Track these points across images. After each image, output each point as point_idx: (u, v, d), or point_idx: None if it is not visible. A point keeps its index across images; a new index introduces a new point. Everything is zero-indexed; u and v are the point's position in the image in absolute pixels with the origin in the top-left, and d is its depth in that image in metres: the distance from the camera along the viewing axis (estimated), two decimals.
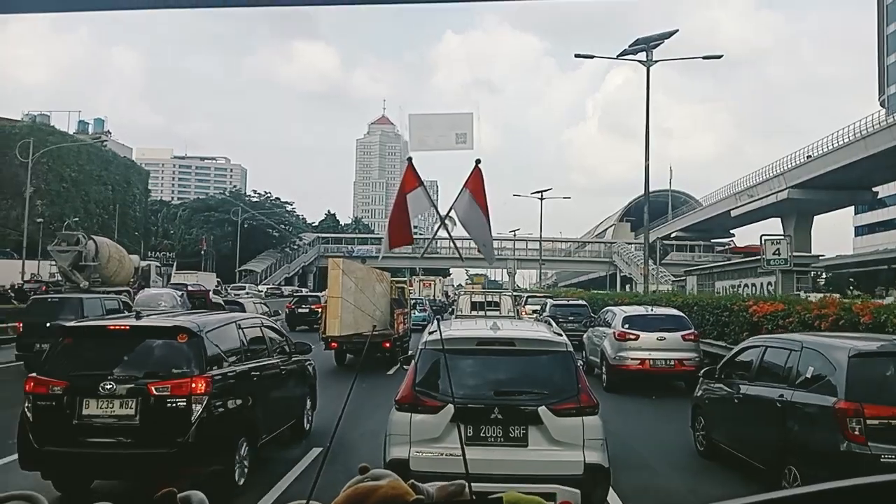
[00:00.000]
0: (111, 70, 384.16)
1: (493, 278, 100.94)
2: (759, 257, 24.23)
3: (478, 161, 5.22)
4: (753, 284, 27.99)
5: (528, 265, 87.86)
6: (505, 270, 64.42)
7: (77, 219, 63.69)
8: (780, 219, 71.96)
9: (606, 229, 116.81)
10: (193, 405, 6.95)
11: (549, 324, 8.71)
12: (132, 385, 6.99)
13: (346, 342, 18.14)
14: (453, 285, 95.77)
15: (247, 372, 8.30)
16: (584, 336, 19.62)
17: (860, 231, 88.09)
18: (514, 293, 38.72)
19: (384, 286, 20.71)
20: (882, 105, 64.44)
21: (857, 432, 6.42)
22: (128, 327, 7.83)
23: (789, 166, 67.01)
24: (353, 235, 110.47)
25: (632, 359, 15.57)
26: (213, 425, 7.10)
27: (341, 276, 17.20)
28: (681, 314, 17.22)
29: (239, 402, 7.79)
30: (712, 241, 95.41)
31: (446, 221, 5.45)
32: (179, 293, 26.35)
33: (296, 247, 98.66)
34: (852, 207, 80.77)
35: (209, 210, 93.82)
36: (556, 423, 6.23)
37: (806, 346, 7.74)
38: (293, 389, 10.11)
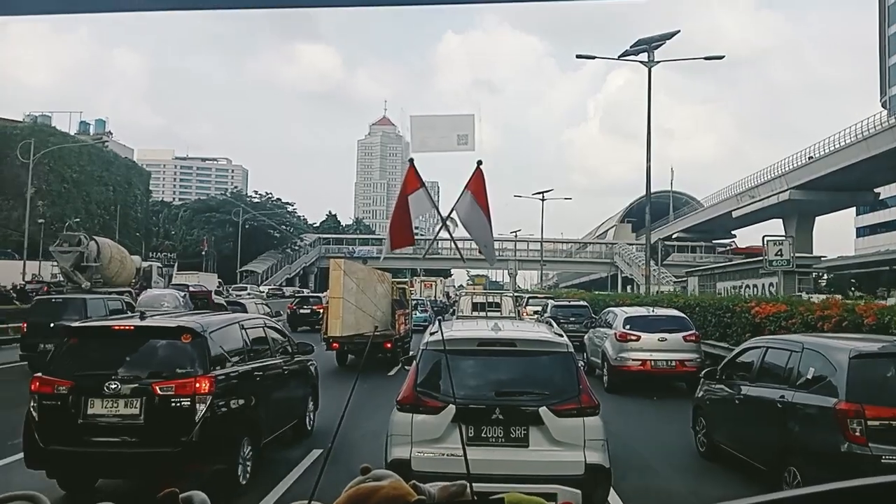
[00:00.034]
0: (112, 71, 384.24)
1: (494, 279, 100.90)
2: (761, 258, 24.22)
3: (479, 162, 5.23)
4: (755, 285, 28.02)
5: (529, 266, 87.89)
6: (506, 271, 64.34)
7: (78, 219, 63.76)
8: (781, 220, 71.92)
9: (608, 230, 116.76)
10: (197, 405, 7.00)
11: (550, 325, 8.71)
12: (137, 385, 7.05)
13: (347, 343, 18.15)
14: (454, 286, 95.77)
15: (250, 372, 8.35)
16: (586, 337, 19.61)
17: (861, 232, 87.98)
18: (516, 294, 38.73)
19: (385, 287, 20.73)
20: (883, 106, 64.35)
21: (857, 433, 6.42)
22: (132, 327, 7.88)
23: (791, 167, 66.99)
24: (355, 236, 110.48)
25: (633, 360, 15.56)
26: (216, 425, 7.15)
27: (343, 276, 17.23)
28: (682, 315, 17.22)
29: (242, 401, 7.83)
30: (714, 242, 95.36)
31: (448, 222, 5.46)
32: (182, 294, 26.39)
33: (297, 247, 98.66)
34: (854, 208, 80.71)
35: (210, 211, 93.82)
36: (557, 424, 6.24)
37: (807, 347, 7.75)
38: (295, 390, 10.15)
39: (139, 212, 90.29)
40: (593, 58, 32.19)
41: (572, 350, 6.90)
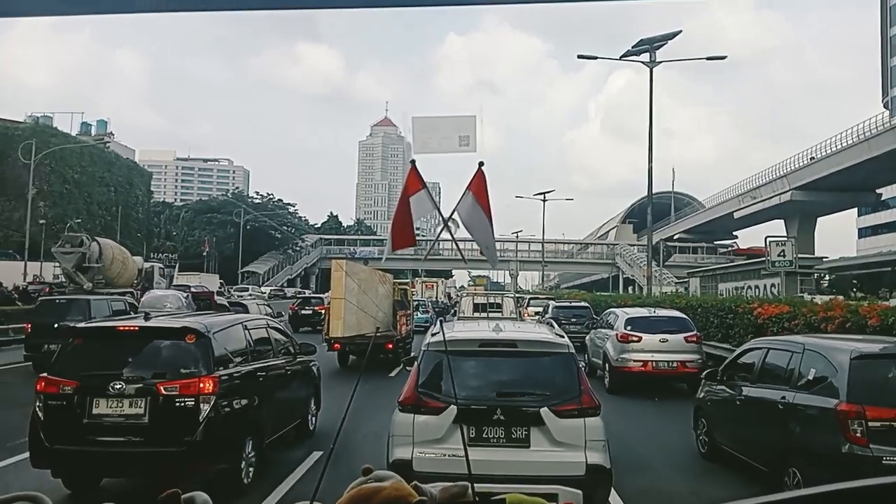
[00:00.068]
0: (114, 72, 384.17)
1: (495, 280, 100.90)
2: (763, 259, 24.21)
3: (481, 163, 5.25)
4: (757, 286, 27.98)
5: (530, 267, 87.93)
6: (507, 272, 64.33)
7: (79, 220, 63.84)
8: (783, 221, 71.89)
9: (609, 231, 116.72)
10: (201, 405, 7.06)
11: (552, 325, 8.72)
12: (141, 385, 7.11)
13: (349, 343, 18.18)
14: (456, 287, 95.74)
15: (253, 372, 8.42)
16: (587, 338, 19.60)
17: (863, 233, 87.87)
18: (517, 295, 38.72)
19: (387, 288, 20.74)
20: (886, 107, 64.35)
21: (858, 434, 6.42)
22: (137, 328, 7.94)
23: (792, 168, 66.93)
24: (356, 237, 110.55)
25: (634, 361, 15.56)
26: (220, 425, 7.21)
27: (344, 277, 17.24)
28: (683, 316, 17.21)
29: (245, 402, 7.89)
30: (715, 242, 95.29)
31: (449, 224, 5.47)
32: (185, 294, 26.46)
33: (298, 248, 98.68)
34: (855, 209, 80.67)
35: (212, 212, 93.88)
36: (558, 425, 6.26)
37: (808, 348, 7.75)
38: (298, 390, 10.20)
39: (140, 213, 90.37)
40: (595, 58, 32.11)
41: (573, 351, 6.92)
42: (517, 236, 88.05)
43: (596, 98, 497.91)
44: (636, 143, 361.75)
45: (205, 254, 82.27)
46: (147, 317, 8.52)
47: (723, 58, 32.13)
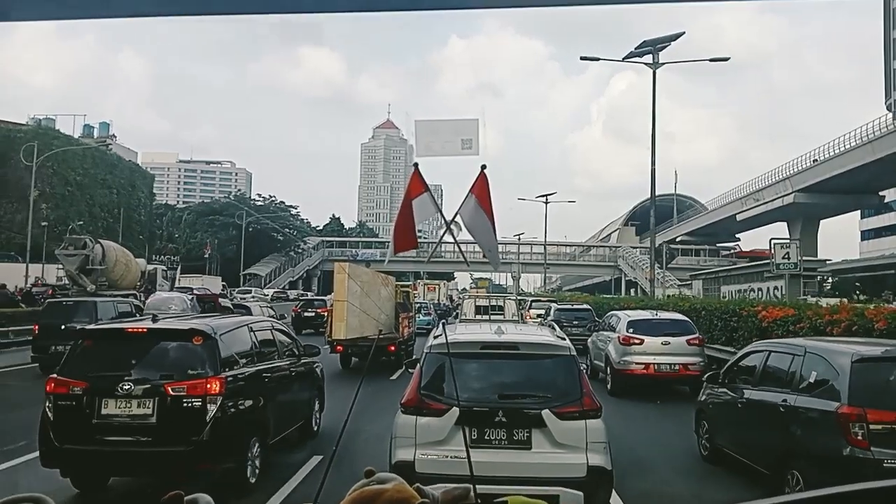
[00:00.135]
0: (117, 74, 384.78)
1: (497, 282, 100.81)
2: (766, 261, 24.15)
3: (483, 166, 5.26)
4: (760, 289, 27.88)
5: (532, 269, 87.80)
6: (509, 274, 64.33)
7: (81, 222, 63.80)
8: (785, 223, 71.85)
9: (611, 233, 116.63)
10: (208, 405, 7.16)
11: (553, 328, 8.74)
12: (149, 385, 7.20)
13: (351, 346, 18.20)
14: (458, 289, 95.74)
15: (259, 373, 8.53)
16: (589, 340, 19.59)
17: (866, 235, 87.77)
18: (519, 297, 38.71)
19: (389, 290, 20.75)
20: (889, 109, 64.09)
21: (859, 437, 6.43)
22: (145, 330, 8.06)
23: (795, 170, 66.88)
24: (358, 239, 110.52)
25: (636, 363, 15.55)
26: (226, 425, 7.31)
27: (347, 280, 17.27)
28: (685, 318, 17.17)
29: (251, 402, 8.00)
30: (717, 245, 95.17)
31: (451, 226, 5.49)
32: (189, 297, 26.58)
33: (300, 251, 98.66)
34: (858, 212, 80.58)
35: (214, 214, 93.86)
36: (559, 426, 6.28)
37: (809, 351, 7.75)
38: (302, 391, 10.30)
39: (143, 215, 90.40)
40: (597, 59, 32.09)
41: (574, 353, 6.95)
42: (519, 239, 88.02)
43: (598, 100, 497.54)
44: (638, 146, 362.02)
45: (207, 256, 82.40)
46: (155, 319, 8.63)
47: (726, 59, 32.13)
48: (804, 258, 23.63)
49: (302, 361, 10.34)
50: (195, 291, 35.24)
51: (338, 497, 1.70)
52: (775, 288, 25.29)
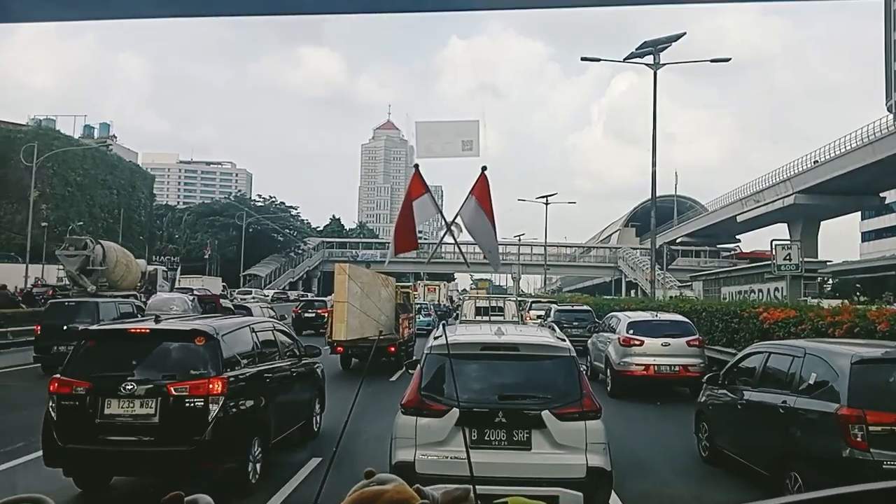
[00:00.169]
0: (117, 75, 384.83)
1: (497, 283, 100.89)
2: (766, 263, 24.10)
3: (484, 168, 5.28)
4: (760, 290, 27.90)
5: (532, 270, 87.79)
6: (509, 275, 64.33)
7: (81, 223, 63.83)
8: (786, 224, 71.80)
9: (611, 234, 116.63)
10: (210, 405, 7.20)
11: (553, 329, 8.74)
12: (152, 385, 7.24)
13: (351, 347, 18.20)
14: (458, 290, 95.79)
15: (260, 374, 8.57)
16: (589, 342, 19.59)
17: (867, 237, 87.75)
18: (519, 298, 38.72)
19: (389, 291, 20.76)
20: (889, 110, 64.02)
21: (859, 439, 6.43)
22: (148, 330, 8.08)
23: (796, 171, 66.83)
24: (358, 240, 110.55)
25: (636, 364, 15.54)
26: (228, 425, 7.34)
27: (347, 281, 17.28)
28: (685, 320, 17.14)
29: (253, 402, 8.04)
30: (718, 246, 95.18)
31: (452, 227, 5.50)
32: (191, 297, 26.59)
33: (300, 251, 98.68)
34: (859, 213, 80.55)
35: (214, 214, 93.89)
36: (559, 427, 6.29)
37: (809, 353, 7.75)
38: (303, 391, 10.33)
39: (143, 215, 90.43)
40: (598, 60, 32.00)
41: (574, 354, 6.96)
42: (520, 240, 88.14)
43: (598, 101, 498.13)
44: (639, 147, 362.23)
45: (207, 257, 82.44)
46: (157, 319, 8.67)
47: (727, 60, 32.08)
48: (805, 259, 23.60)
49: (303, 362, 10.37)
50: (195, 292, 35.23)
51: (338, 498, 1.71)
52: (776, 289, 25.29)
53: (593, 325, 22.22)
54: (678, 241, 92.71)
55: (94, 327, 9.10)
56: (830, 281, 56.04)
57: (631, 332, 16.08)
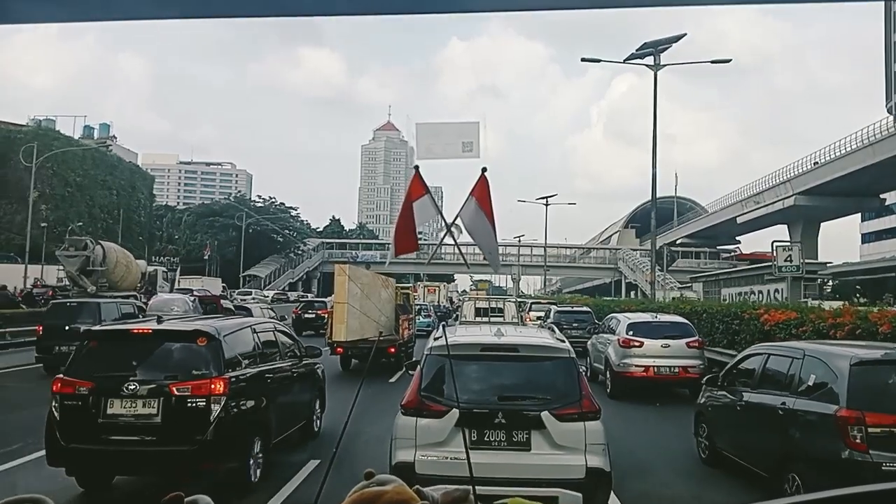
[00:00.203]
0: (117, 76, 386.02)
1: (497, 284, 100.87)
2: (766, 264, 24.08)
3: (484, 169, 5.28)
4: (760, 292, 27.89)
5: (532, 271, 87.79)
6: (509, 276, 64.39)
7: (81, 223, 63.72)
8: (786, 226, 71.74)
9: (611, 236, 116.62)
10: (212, 405, 7.23)
11: (553, 330, 8.75)
12: (154, 385, 7.27)
13: (351, 347, 18.20)
14: (458, 291, 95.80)
15: (261, 374, 8.61)
16: (589, 343, 19.59)
17: (867, 238, 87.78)
18: (519, 299, 38.70)
19: (389, 292, 20.76)
20: (889, 112, 64.00)
21: (858, 440, 6.43)
22: (150, 331, 8.11)
23: (796, 173, 66.77)
24: (358, 241, 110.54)
25: (636, 366, 15.53)
26: (230, 425, 7.37)
27: (347, 282, 17.28)
28: (685, 321, 17.14)
29: (254, 402, 8.08)
30: (718, 247, 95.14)
31: (452, 229, 5.50)
32: (192, 298, 26.64)
33: (300, 252, 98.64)
34: (859, 214, 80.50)
35: (214, 215, 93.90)
36: (558, 428, 6.30)
37: (808, 354, 7.75)
38: (304, 392, 10.36)
39: (143, 216, 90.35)
40: (598, 61, 32.05)
41: (574, 355, 6.97)
42: (519, 241, 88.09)
43: (598, 103, 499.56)
44: (639, 148, 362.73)
45: (207, 257, 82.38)
46: (160, 320, 8.72)
47: (727, 61, 32.12)
48: (805, 261, 23.58)
49: (303, 363, 10.41)
50: (195, 293, 35.25)
51: (338, 498, 1.71)
52: (776, 291, 25.28)
53: (593, 327, 22.21)
54: (678, 242, 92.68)
55: (97, 328, 9.15)
56: (830, 282, 56.10)
57: (630, 333, 16.08)
